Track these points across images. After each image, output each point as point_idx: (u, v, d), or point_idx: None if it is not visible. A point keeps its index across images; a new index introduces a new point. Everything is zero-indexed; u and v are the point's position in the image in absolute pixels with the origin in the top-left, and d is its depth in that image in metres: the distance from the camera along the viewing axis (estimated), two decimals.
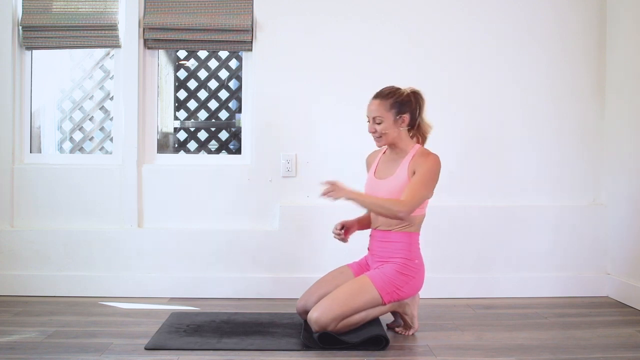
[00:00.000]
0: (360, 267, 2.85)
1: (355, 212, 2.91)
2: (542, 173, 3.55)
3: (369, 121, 2.77)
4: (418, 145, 2.80)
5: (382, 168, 2.82)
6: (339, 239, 2.83)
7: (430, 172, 2.67)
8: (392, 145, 2.80)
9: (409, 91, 2.78)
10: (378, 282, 2.63)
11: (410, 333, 2.76)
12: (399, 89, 2.78)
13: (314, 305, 2.62)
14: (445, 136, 3.50)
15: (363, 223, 2.90)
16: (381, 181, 2.78)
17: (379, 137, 2.76)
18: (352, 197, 2.65)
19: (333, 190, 2.63)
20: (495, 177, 3.53)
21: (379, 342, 2.55)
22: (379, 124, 2.73)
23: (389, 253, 2.71)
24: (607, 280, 3.50)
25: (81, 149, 4.23)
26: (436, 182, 2.71)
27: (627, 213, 3.37)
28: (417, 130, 2.82)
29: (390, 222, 2.70)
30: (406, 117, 2.74)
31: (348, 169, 3.41)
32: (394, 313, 2.80)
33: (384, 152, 2.88)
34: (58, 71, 4.13)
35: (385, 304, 2.66)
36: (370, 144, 2.86)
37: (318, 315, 2.55)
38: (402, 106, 2.73)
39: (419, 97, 2.79)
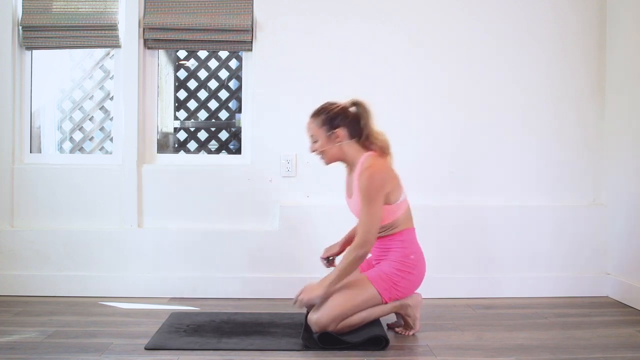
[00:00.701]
0: (368, 263, 2.83)
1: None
2: (542, 173, 3.55)
3: None
4: (365, 155, 2.67)
5: (348, 186, 2.80)
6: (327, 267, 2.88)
7: (367, 193, 2.56)
8: (343, 162, 2.76)
9: (344, 104, 2.70)
10: (376, 279, 2.64)
11: (411, 333, 2.76)
12: (332, 104, 2.71)
13: (316, 304, 2.61)
14: (446, 136, 3.50)
15: (350, 242, 2.76)
16: (349, 200, 2.78)
17: (320, 155, 2.74)
18: (326, 289, 2.56)
19: (304, 299, 2.58)
20: (495, 177, 3.53)
21: (379, 342, 2.55)
22: (315, 142, 2.73)
23: (385, 253, 2.72)
24: (607, 280, 3.50)
25: (81, 149, 4.23)
26: (380, 193, 2.57)
27: (627, 213, 3.37)
28: (368, 141, 2.69)
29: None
30: (340, 131, 2.66)
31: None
32: (396, 314, 2.80)
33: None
34: (58, 71, 4.13)
35: (385, 303, 2.66)
36: None
37: (318, 316, 2.55)
38: (334, 121, 2.67)
39: (360, 108, 2.69)
